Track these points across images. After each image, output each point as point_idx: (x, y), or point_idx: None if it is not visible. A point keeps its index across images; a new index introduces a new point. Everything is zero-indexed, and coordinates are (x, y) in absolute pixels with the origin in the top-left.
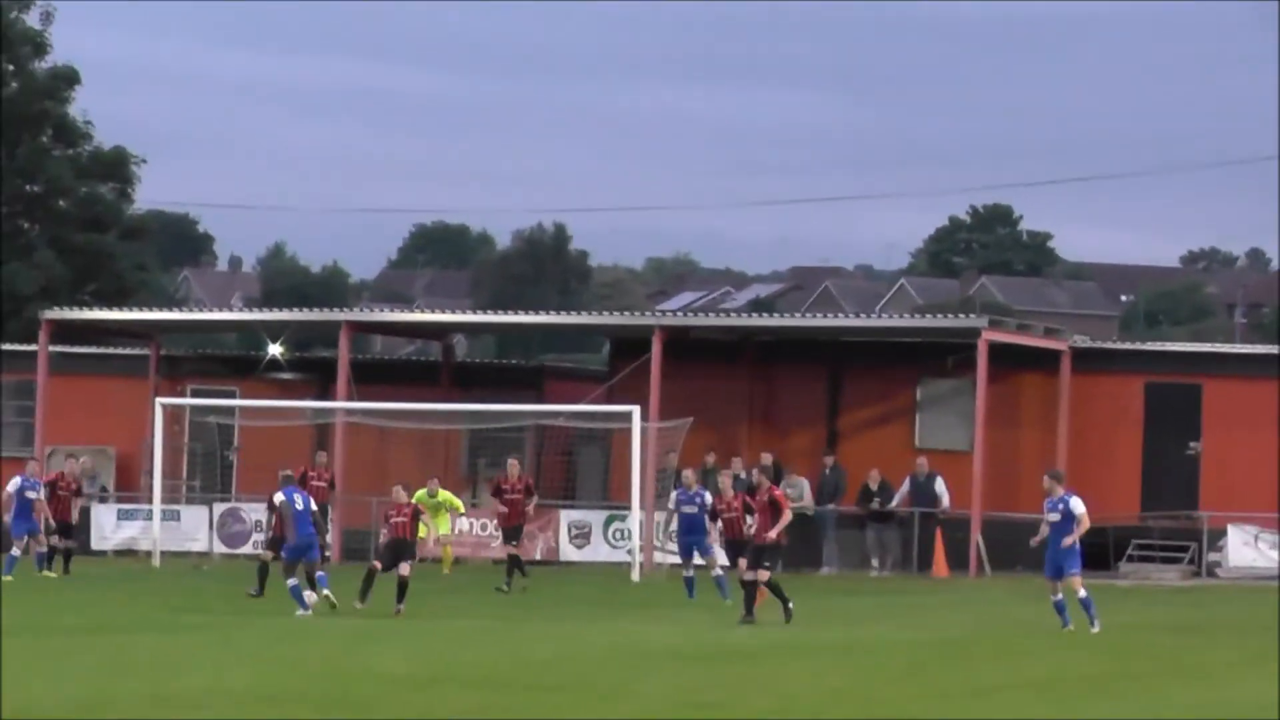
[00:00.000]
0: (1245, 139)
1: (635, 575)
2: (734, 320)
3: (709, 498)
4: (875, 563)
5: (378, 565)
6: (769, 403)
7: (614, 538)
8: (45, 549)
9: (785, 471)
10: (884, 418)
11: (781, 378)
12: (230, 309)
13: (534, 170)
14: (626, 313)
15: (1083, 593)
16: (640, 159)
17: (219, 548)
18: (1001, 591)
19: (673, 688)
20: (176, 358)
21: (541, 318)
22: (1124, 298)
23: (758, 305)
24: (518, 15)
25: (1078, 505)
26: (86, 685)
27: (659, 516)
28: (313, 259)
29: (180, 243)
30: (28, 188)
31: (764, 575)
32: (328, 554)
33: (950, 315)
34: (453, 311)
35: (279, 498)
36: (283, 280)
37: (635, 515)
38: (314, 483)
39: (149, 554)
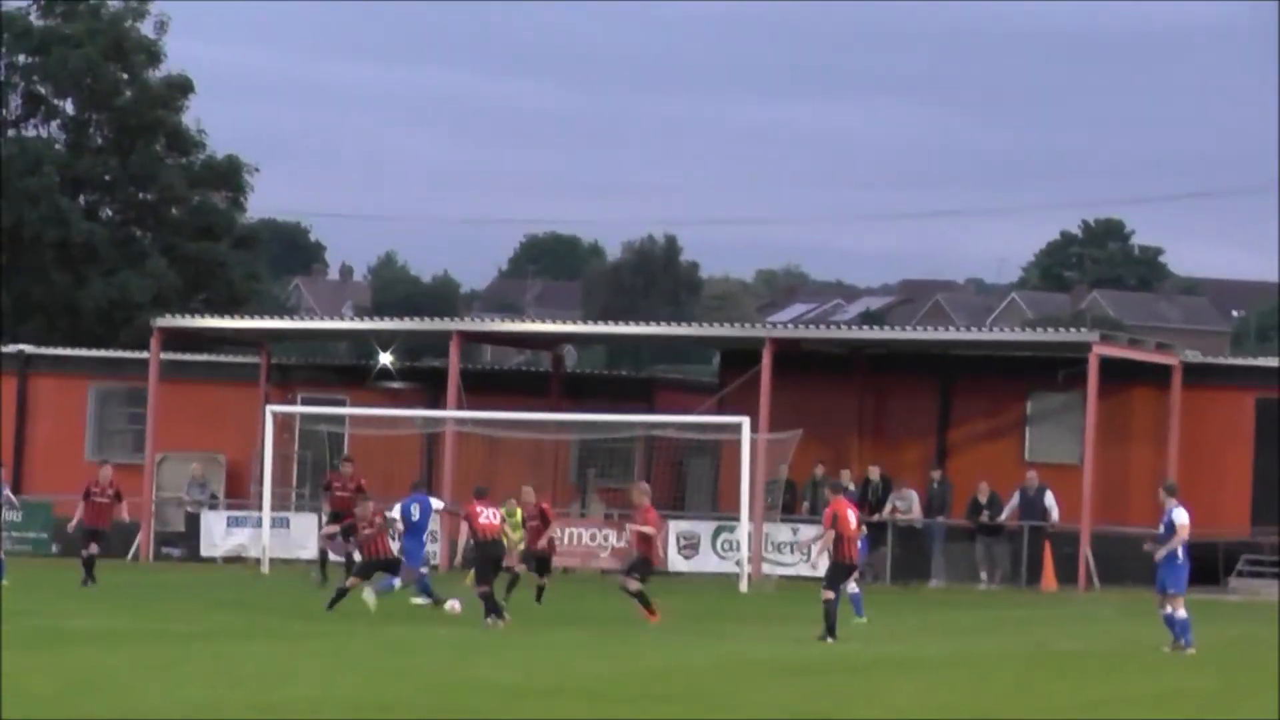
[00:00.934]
0: None
1: (743, 586)
2: (844, 333)
3: None
4: (984, 576)
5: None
6: (879, 416)
7: (722, 549)
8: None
9: (894, 484)
10: (994, 431)
11: (892, 391)
12: (341, 318)
13: (645, 182)
14: (737, 324)
15: (1181, 613)
16: (751, 171)
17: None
18: (1111, 606)
19: (781, 699)
20: (287, 366)
21: (652, 329)
22: (1235, 313)
23: (868, 318)
24: (631, 26)
25: (1179, 515)
26: (197, 692)
27: (767, 528)
28: (423, 269)
29: (291, 251)
30: (141, 196)
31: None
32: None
33: (1061, 329)
34: (563, 322)
35: (396, 507)
36: (393, 290)
37: (744, 527)
38: (338, 493)
39: (258, 561)
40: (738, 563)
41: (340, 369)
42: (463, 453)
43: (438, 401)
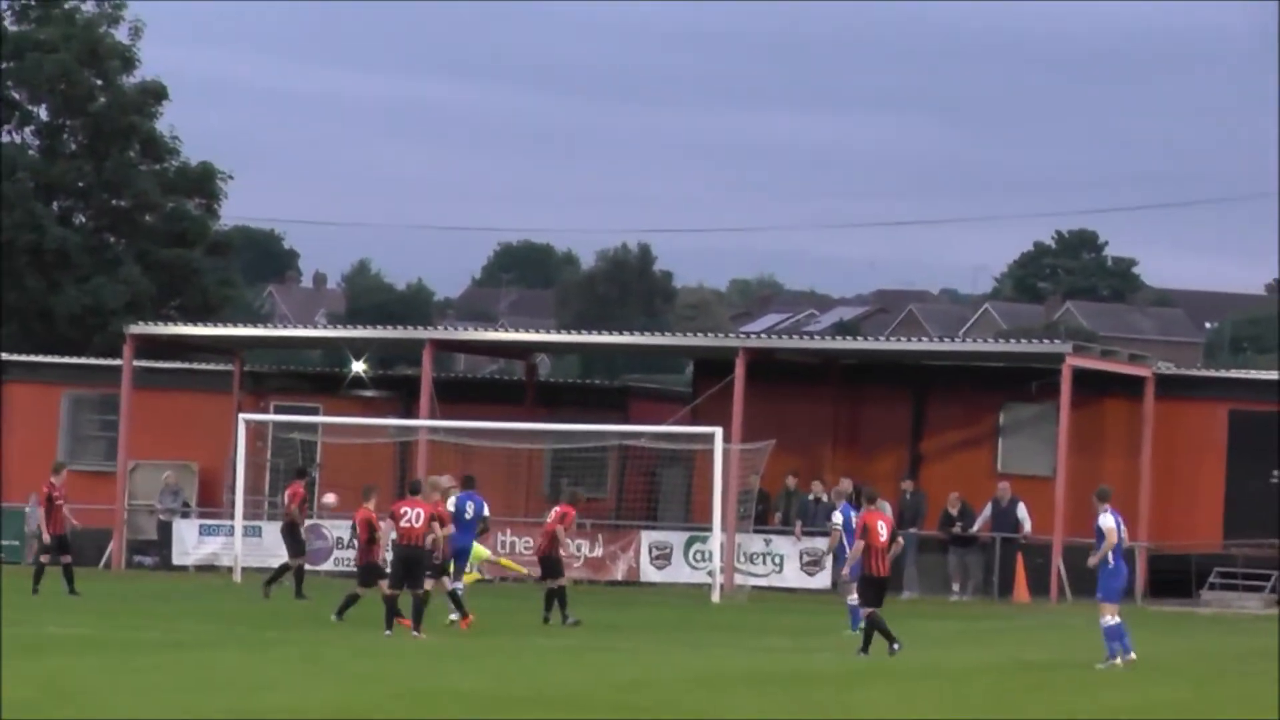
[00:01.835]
0: None
1: (716, 597)
2: (818, 343)
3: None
4: (956, 587)
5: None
6: (852, 426)
7: (695, 559)
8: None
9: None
10: (967, 442)
11: (865, 401)
12: (314, 326)
13: (619, 191)
14: (710, 334)
15: (1108, 621)
16: (726, 180)
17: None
18: (1083, 618)
19: (754, 711)
20: (260, 374)
21: (625, 338)
22: (1208, 324)
23: (842, 328)
24: (606, 37)
25: (1105, 521)
26: (171, 701)
27: (740, 539)
28: (397, 276)
29: (265, 259)
30: (115, 202)
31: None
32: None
33: (1035, 340)
34: (537, 331)
35: (451, 501)
36: (367, 298)
37: (716, 537)
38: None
39: (230, 570)
40: (710, 573)
41: (313, 377)
42: (436, 462)
43: (411, 410)
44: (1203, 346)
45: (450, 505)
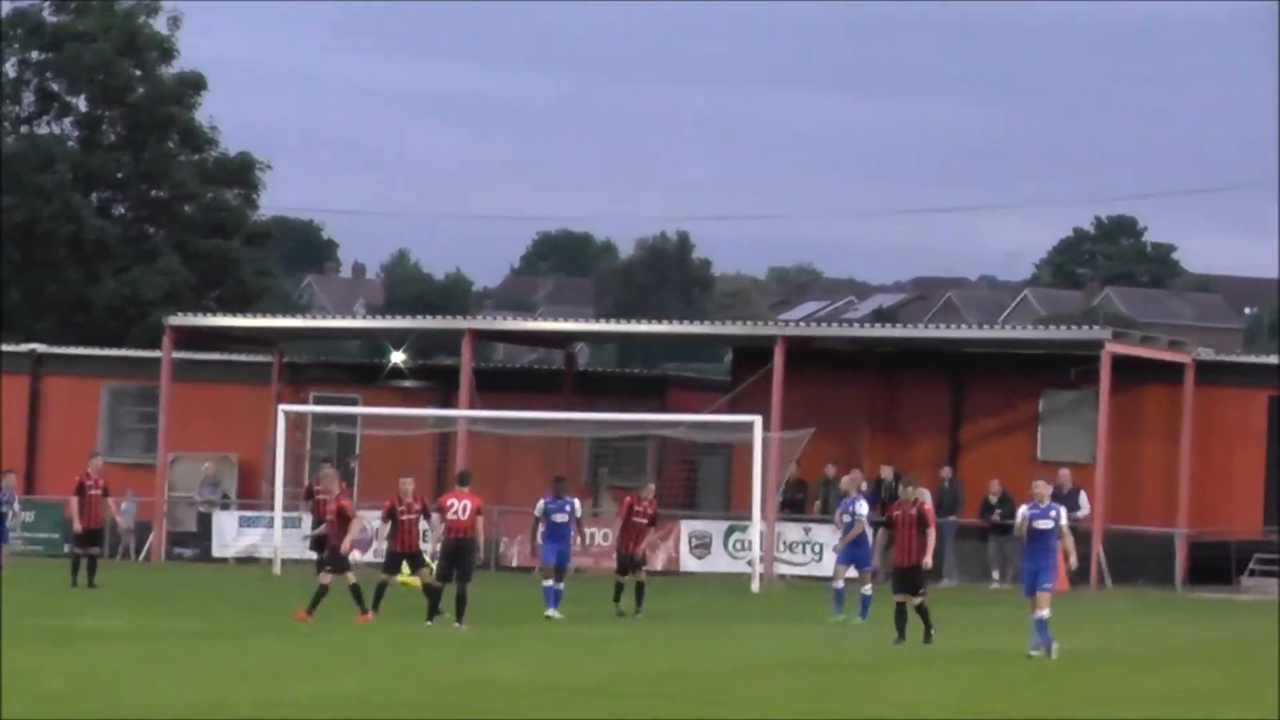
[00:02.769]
0: None
1: (755, 586)
2: (857, 330)
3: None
4: (995, 575)
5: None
6: (891, 413)
7: (734, 548)
8: None
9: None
10: (1006, 429)
11: (904, 388)
12: (353, 316)
13: (658, 179)
14: (749, 322)
15: (1045, 613)
16: (764, 167)
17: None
18: (1122, 604)
19: (789, 697)
20: (299, 365)
21: (664, 327)
22: (1248, 310)
23: (880, 315)
24: (645, 21)
25: (1062, 515)
26: (204, 690)
27: (779, 528)
28: (436, 266)
29: (304, 249)
30: (153, 193)
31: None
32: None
33: (1074, 327)
34: (575, 320)
35: (540, 504)
36: (406, 288)
37: (756, 526)
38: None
39: (270, 561)
40: (749, 562)
41: (352, 368)
42: (475, 452)
43: (450, 400)
44: (1242, 332)
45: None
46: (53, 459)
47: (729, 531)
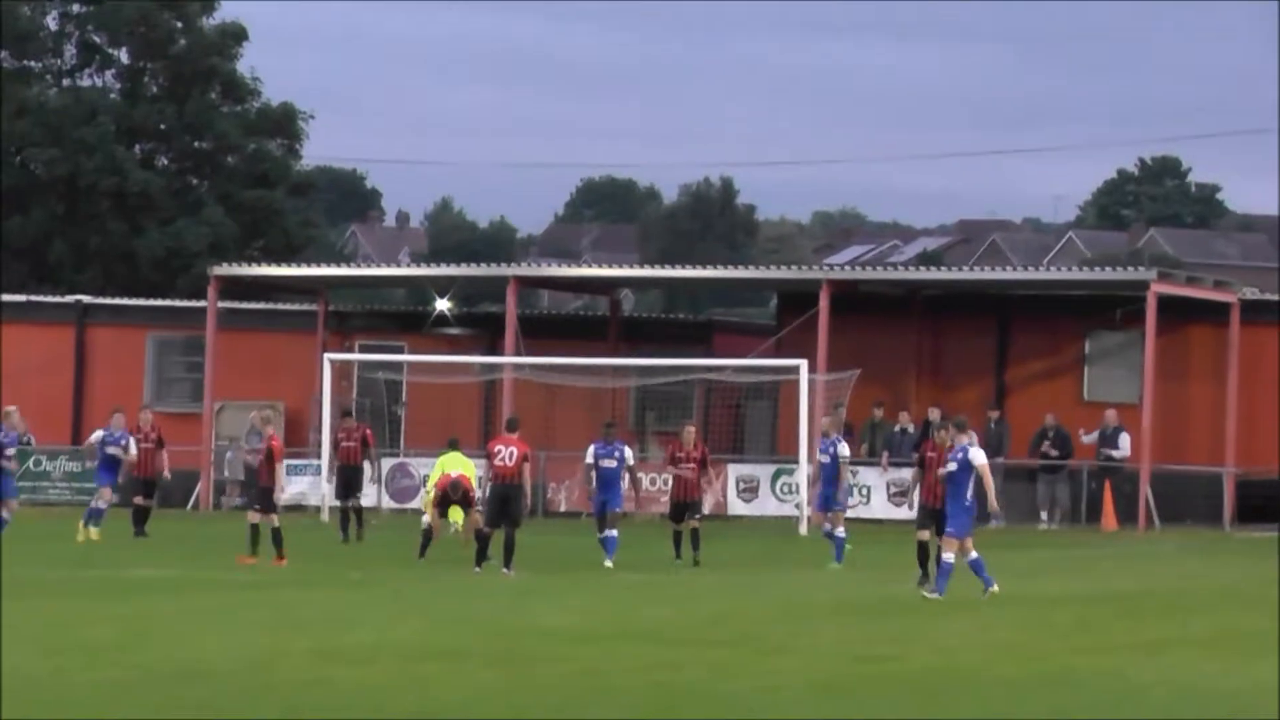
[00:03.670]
0: None
1: (803, 529)
2: (902, 274)
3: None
4: (1044, 516)
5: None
6: (937, 356)
7: (781, 492)
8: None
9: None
10: (1053, 370)
11: (949, 331)
12: (398, 264)
13: (701, 125)
14: (794, 267)
15: (973, 554)
16: (807, 112)
17: (387, 503)
18: (1170, 545)
19: (838, 641)
20: (344, 313)
21: (709, 272)
22: None
23: (925, 258)
24: None
25: (978, 456)
26: (257, 640)
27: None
28: (480, 214)
29: (347, 198)
30: (196, 144)
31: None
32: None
33: (1119, 268)
34: (620, 266)
35: (590, 450)
36: (450, 236)
37: (803, 469)
38: (344, 443)
39: (318, 509)
40: (797, 505)
41: (398, 316)
42: (521, 398)
43: (495, 348)
44: None
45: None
46: (99, 409)
47: (776, 475)
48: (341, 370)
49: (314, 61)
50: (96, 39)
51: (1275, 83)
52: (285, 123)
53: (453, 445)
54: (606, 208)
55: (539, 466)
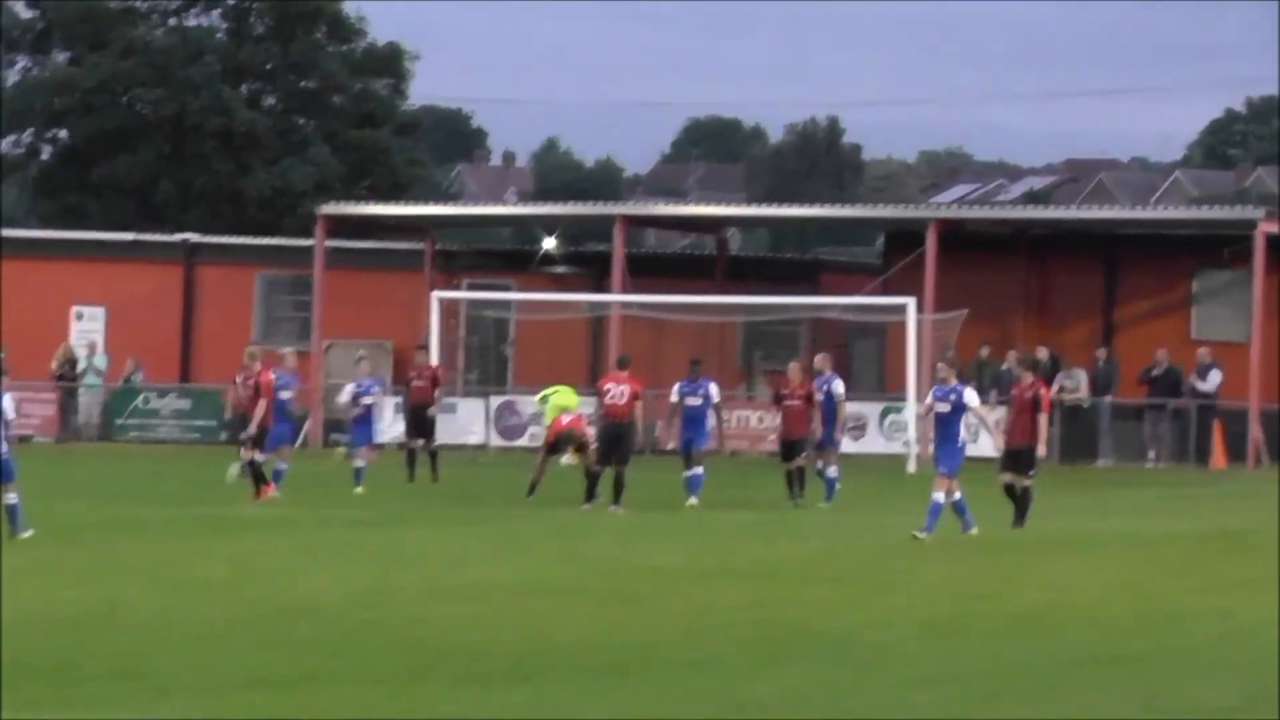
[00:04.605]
0: None
1: (911, 467)
2: (1009, 212)
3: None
4: (1152, 454)
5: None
6: (1044, 295)
7: (890, 430)
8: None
9: (1062, 364)
10: (1160, 309)
11: (1056, 270)
12: (504, 204)
13: (808, 64)
14: (901, 205)
15: (942, 496)
16: (914, 52)
17: (495, 440)
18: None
19: (947, 579)
20: (452, 252)
21: (816, 210)
22: None
23: (1032, 197)
24: None
25: (972, 398)
26: (365, 577)
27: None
28: (586, 153)
29: (453, 138)
30: (302, 84)
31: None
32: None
33: (1226, 207)
34: (726, 205)
35: (675, 390)
36: (556, 175)
37: (911, 408)
38: (415, 383)
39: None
40: (905, 444)
41: (505, 255)
42: (628, 337)
43: (602, 286)
44: None
45: (674, 395)
46: (208, 347)
47: (884, 413)
48: (450, 309)
49: (420, 3)
50: None
51: None
52: (391, 62)
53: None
54: (712, 146)
55: (648, 404)
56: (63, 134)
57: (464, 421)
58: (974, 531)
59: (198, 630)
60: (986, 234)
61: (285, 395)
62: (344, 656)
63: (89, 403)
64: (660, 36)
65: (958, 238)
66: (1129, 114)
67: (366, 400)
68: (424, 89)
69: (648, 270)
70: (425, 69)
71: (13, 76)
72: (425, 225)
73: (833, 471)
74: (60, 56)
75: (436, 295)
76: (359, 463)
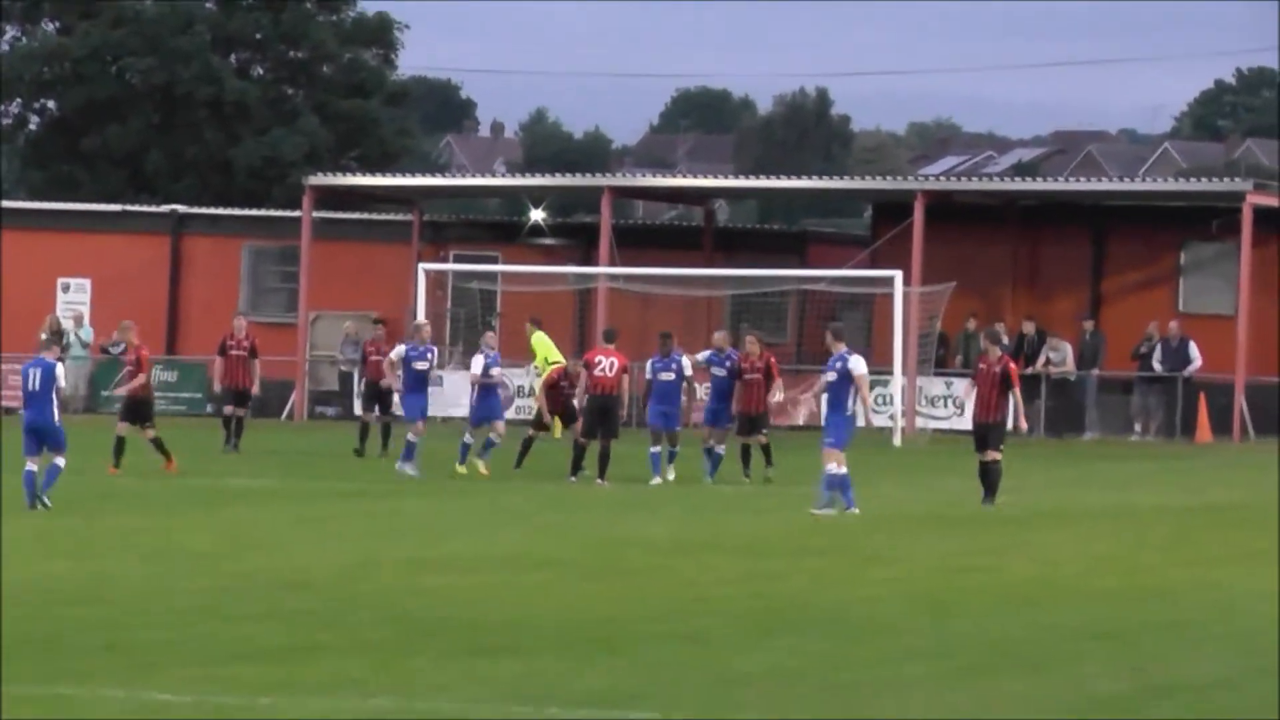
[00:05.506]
0: None
1: (897, 440)
2: (997, 184)
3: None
4: (1138, 427)
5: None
6: (1032, 267)
7: (876, 403)
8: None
9: (1048, 335)
10: (1148, 282)
11: (1044, 242)
12: (492, 175)
13: (795, 35)
14: (889, 177)
15: (840, 469)
16: (901, 23)
17: None
18: (1265, 456)
19: (936, 552)
20: (439, 223)
21: (804, 182)
22: None
23: (1020, 169)
24: None
25: (857, 365)
26: (354, 549)
27: (920, 382)
28: (574, 125)
29: (442, 109)
30: (292, 54)
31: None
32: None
33: (1215, 179)
34: (714, 177)
35: (648, 367)
36: (544, 146)
37: (897, 381)
38: (372, 358)
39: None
40: (891, 417)
41: (492, 226)
42: (615, 309)
43: (590, 258)
44: None
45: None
46: (194, 319)
47: (870, 386)
48: (436, 280)
49: None
50: None
51: None
52: (381, 32)
53: (536, 324)
54: (701, 118)
55: (634, 377)
56: (51, 104)
57: (450, 394)
58: (855, 511)
59: (186, 602)
60: (975, 206)
61: (421, 367)
62: (334, 628)
63: (75, 374)
64: (649, 7)
65: (945, 210)
66: (1118, 86)
67: (419, 365)
68: (413, 59)
69: (635, 241)
70: (415, 39)
71: (3, 46)
72: (413, 196)
73: (721, 449)
74: (50, 26)
75: (423, 267)
76: (411, 437)
